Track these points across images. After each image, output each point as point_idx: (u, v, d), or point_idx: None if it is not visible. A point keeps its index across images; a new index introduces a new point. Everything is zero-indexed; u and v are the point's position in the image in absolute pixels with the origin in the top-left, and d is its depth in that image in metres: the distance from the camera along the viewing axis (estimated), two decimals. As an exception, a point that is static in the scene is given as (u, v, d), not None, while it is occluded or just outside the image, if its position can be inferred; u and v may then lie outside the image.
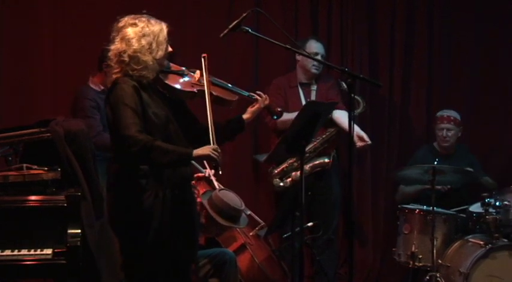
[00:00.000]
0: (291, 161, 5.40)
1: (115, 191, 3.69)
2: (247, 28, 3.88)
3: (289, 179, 5.46)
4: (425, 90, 6.34)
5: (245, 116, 3.88)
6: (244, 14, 3.86)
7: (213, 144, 3.58)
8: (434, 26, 6.33)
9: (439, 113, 5.82)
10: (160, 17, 3.73)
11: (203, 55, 3.78)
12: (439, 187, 5.38)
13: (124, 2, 5.50)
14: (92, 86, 5.10)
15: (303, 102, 5.56)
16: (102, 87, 5.08)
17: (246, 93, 3.93)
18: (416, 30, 6.32)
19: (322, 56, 5.53)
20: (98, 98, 5.02)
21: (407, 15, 6.30)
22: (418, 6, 6.31)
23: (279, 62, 5.94)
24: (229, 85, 3.91)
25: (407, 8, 6.30)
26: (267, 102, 3.89)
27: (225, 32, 3.87)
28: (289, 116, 4.76)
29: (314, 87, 5.69)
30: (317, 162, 5.36)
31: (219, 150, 3.57)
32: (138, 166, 3.59)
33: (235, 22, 3.84)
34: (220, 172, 3.65)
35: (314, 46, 5.55)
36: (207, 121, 3.63)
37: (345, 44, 6.13)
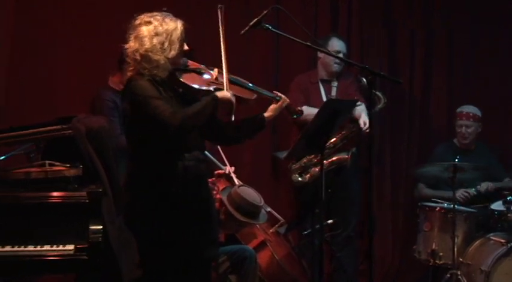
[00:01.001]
0: (310, 156, 5.40)
1: (131, 190, 3.66)
2: (267, 25, 3.89)
3: (308, 175, 5.47)
4: (445, 87, 6.32)
5: (266, 114, 3.83)
6: (265, 12, 3.87)
7: (226, 87, 3.60)
8: (453, 21, 6.31)
9: (458, 109, 5.81)
10: (178, 14, 3.71)
11: (220, 6, 3.76)
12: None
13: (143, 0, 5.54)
14: (112, 85, 5.12)
15: (324, 98, 5.58)
16: (121, 86, 5.11)
17: (266, 93, 3.89)
18: (436, 27, 6.30)
19: (343, 54, 5.54)
20: (116, 98, 5.04)
21: (426, 11, 6.28)
22: (437, 1, 6.30)
23: (299, 59, 5.94)
24: (250, 84, 3.88)
25: (426, 4, 6.28)
26: (286, 102, 3.88)
27: (246, 29, 3.88)
28: (309, 111, 4.77)
29: (335, 84, 5.70)
30: (335, 158, 5.36)
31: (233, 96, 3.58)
32: (153, 164, 3.58)
33: (255, 19, 3.85)
34: (233, 117, 3.61)
35: (336, 44, 5.56)
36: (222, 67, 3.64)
37: (365, 40, 6.12)
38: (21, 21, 5.38)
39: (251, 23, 3.85)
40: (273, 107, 3.84)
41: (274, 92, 3.92)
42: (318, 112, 4.01)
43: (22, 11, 5.39)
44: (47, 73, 5.50)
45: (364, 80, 5.24)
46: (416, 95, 6.28)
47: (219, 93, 3.55)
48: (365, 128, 5.20)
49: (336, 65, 5.61)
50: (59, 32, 5.51)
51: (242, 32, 3.90)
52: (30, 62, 5.44)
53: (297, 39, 4.00)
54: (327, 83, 5.70)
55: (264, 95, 3.89)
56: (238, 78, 3.84)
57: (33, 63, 5.45)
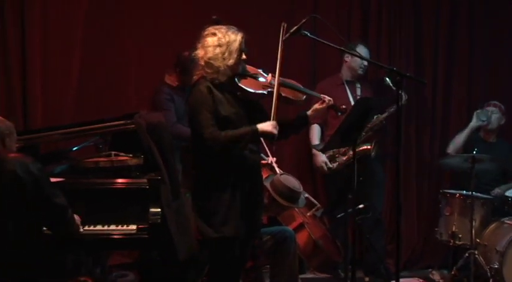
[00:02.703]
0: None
1: (197, 175, 3.76)
2: (306, 32, 3.86)
3: (336, 163, 5.45)
4: (465, 88, 6.24)
5: (309, 113, 3.88)
6: (304, 20, 3.84)
7: (273, 119, 3.62)
8: (475, 29, 6.22)
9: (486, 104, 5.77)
10: (225, 20, 3.78)
11: (283, 24, 3.76)
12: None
13: (197, 7, 5.55)
14: (168, 82, 5.17)
15: (350, 98, 5.56)
16: (176, 83, 5.15)
17: (316, 94, 3.94)
18: (459, 33, 6.21)
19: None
20: (172, 93, 5.09)
21: (450, 19, 6.19)
22: (460, 11, 6.20)
23: (333, 63, 5.89)
24: (301, 87, 3.90)
25: (451, 13, 6.19)
26: (331, 103, 3.87)
27: (287, 35, 3.86)
28: None
29: (358, 85, 5.68)
30: (360, 148, 5.32)
31: (277, 126, 3.61)
32: (214, 154, 3.64)
33: (295, 27, 3.83)
34: (273, 145, 3.67)
35: (362, 51, 5.50)
36: (273, 100, 3.64)
37: (393, 45, 6.06)
38: (90, 31, 5.44)
39: (291, 30, 3.83)
40: (316, 106, 3.88)
41: (322, 95, 3.91)
42: (351, 109, 3.98)
43: (91, 22, 5.45)
44: (115, 75, 5.55)
45: (388, 79, 5.22)
46: (439, 94, 6.19)
47: (260, 126, 3.60)
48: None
49: (361, 69, 5.60)
50: (124, 41, 5.56)
51: (283, 38, 3.87)
52: (100, 66, 5.50)
53: (332, 44, 3.97)
54: (352, 84, 5.66)
55: (313, 96, 3.94)
56: (291, 81, 3.87)
57: (102, 67, 5.51)
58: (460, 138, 5.69)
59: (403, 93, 5.30)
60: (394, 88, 5.10)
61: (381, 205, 5.64)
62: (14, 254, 3.34)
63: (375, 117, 5.38)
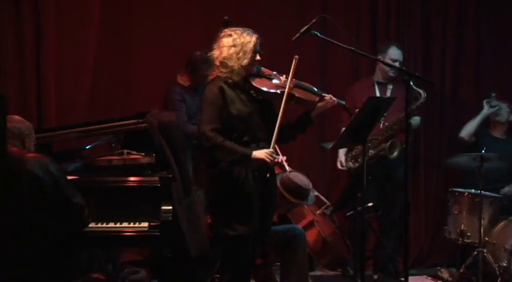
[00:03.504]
0: (360, 147, 5.37)
1: (210, 172, 3.80)
2: (316, 32, 3.87)
3: (358, 164, 5.43)
4: (473, 87, 6.21)
5: (312, 112, 3.91)
6: (314, 20, 3.85)
7: (272, 147, 3.67)
8: (482, 29, 6.20)
9: None
10: (235, 22, 3.86)
11: (295, 56, 3.80)
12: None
13: (208, 9, 5.56)
14: (180, 82, 5.18)
15: None
16: (188, 83, 5.16)
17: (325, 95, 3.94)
18: (466, 32, 6.19)
19: (399, 62, 5.43)
20: (183, 93, 5.10)
21: (457, 19, 6.17)
22: (467, 11, 6.18)
23: (343, 62, 5.90)
24: (314, 88, 3.92)
25: (458, 12, 6.17)
26: (335, 102, 3.89)
27: (297, 35, 3.88)
28: None
29: (390, 87, 5.59)
30: (380, 148, 5.31)
31: (274, 155, 3.67)
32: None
33: (305, 27, 3.84)
34: (268, 176, 3.72)
35: (394, 52, 5.46)
36: (278, 122, 3.68)
37: (402, 43, 6.04)
38: (103, 32, 5.46)
39: (301, 31, 3.85)
40: (319, 105, 3.90)
41: (325, 94, 3.92)
42: (361, 108, 3.98)
43: (104, 23, 5.47)
44: (127, 75, 5.57)
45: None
46: (447, 92, 6.17)
47: (255, 153, 3.65)
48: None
49: (391, 72, 5.50)
50: (136, 42, 5.58)
51: (293, 38, 3.89)
52: (112, 66, 5.52)
53: (342, 44, 3.97)
54: (383, 85, 5.59)
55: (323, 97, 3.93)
56: (305, 83, 3.89)
57: (115, 67, 5.53)
58: (473, 124, 5.61)
59: (422, 92, 5.30)
60: (414, 88, 5.11)
61: (399, 207, 5.55)
62: (30, 252, 3.37)
63: (395, 119, 5.33)
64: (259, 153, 3.64)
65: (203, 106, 3.72)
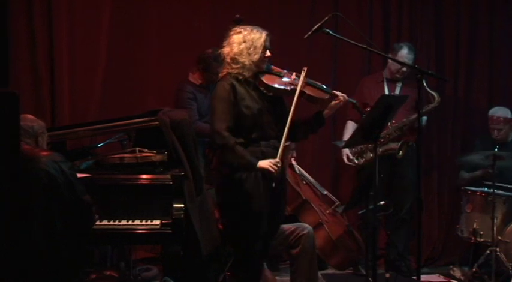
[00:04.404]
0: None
1: (220, 170, 3.83)
2: (328, 30, 3.85)
3: (363, 159, 5.42)
4: (487, 84, 6.17)
5: (325, 112, 3.92)
6: (326, 18, 3.84)
7: (278, 157, 3.67)
8: (496, 25, 6.15)
9: (490, 112, 5.57)
10: (247, 20, 3.86)
11: (304, 68, 3.81)
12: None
13: (219, 7, 5.56)
14: (191, 80, 5.17)
15: None
16: (199, 81, 5.16)
17: (338, 94, 3.92)
18: (479, 29, 6.15)
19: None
20: (195, 91, 5.10)
21: (470, 15, 6.13)
22: (481, 8, 6.14)
23: (355, 59, 5.88)
24: (324, 86, 3.91)
25: (471, 9, 6.13)
26: (345, 100, 3.88)
27: (309, 33, 3.86)
28: None
29: (399, 84, 5.55)
30: (388, 147, 5.29)
31: (279, 165, 3.66)
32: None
33: (317, 25, 3.83)
34: (273, 185, 3.70)
35: (404, 54, 5.39)
36: (289, 119, 3.68)
37: (414, 42, 6.00)
38: (115, 31, 5.48)
39: (313, 28, 3.84)
40: (332, 104, 3.90)
41: (338, 93, 3.91)
42: (373, 106, 3.96)
43: (116, 21, 5.49)
44: (139, 73, 5.58)
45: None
46: (460, 93, 6.13)
47: (260, 163, 3.67)
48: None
49: (398, 73, 5.47)
50: (148, 40, 5.60)
51: (305, 36, 3.88)
52: (125, 64, 5.53)
53: (354, 42, 3.96)
54: (392, 83, 5.56)
55: (334, 96, 3.92)
56: (315, 81, 3.89)
57: (127, 66, 5.54)
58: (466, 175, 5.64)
59: (436, 95, 5.26)
60: (428, 89, 5.09)
61: (407, 205, 5.54)
62: (42, 249, 3.37)
63: (406, 119, 5.30)
64: (264, 163, 3.66)
65: (215, 103, 3.74)
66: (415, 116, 5.32)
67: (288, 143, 3.95)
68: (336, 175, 5.95)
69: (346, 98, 3.88)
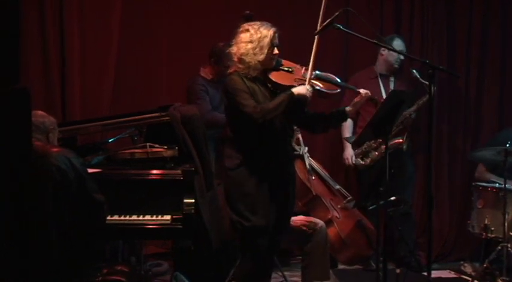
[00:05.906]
0: (369, 142, 5.36)
1: (230, 165, 3.80)
2: (339, 25, 3.83)
3: (369, 159, 5.41)
4: (498, 79, 6.13)
5: (348, 108, 3.91)
6: (337, 13, 3.80)
7: (308, 83, 3.68)
8: (508, 21, 6.10)
9: None
10: (257, 16, 3.83)
11: (310, 63, 3.78)
12: None
13: (229, 4, 5.54)
14: (203, 74, 5.18)
15: (383, 92, 5.49)
16: (211, 76, 5.16)
17: (352, 87, 3.96)
18: (491, 27, 6.11)
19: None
20: (206, 85, 5.10)
21: (483, 11, 6.09)
22: (492, 6, 6.09)
23: (366, 55, 5.83)
24: (336, 80, 3.88)
25: (484, 5, 6.09)
26: (368, 95, 3.88)
27: (320, 29, 3.83)
28: None
29: (392, 79, 5.60)
30: (392, 142, 5.27)
31: (310, 89, 3.68)
32: (248, 145, 3.73)
33: (328, 20, 3.79)
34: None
35: (399, 44, 5.44)
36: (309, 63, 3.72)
37: (425, 39, 5.98)
38: (126, 29, 5.48)
39: (324, 24, 3.80)
40: (355, 100, 3.89)
41: (360, 89, 3.90)
42: (383, 102, 3.95)
43: (127, 21, 5.49)
44: (149, 71, 5.58)
45: (415, 71, 5.17)
46: (472, 85, 6.10)
47: (294, 89, 3.65)
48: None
49: (396, 63, 5.53)
50: (158, 39, 5.59)
51: (316, 32, 3.85)
52: (135, 62, 5.54)
53: (365, 37, 3.93)
54: (385, 78, 5.59)
55: (348, 89, 4.00)
56: (327, 74, 3.87)
57: (137, 64, 5.55)
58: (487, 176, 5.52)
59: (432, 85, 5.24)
60: (421, 80, 5.10)
61: (410, 198, 5.57)
62: (54, 245, 3.38)
63: (408, 112, 5.31)
64: (300, 89, 3.66)
65: (235, 91, 3.67)
66: (413, 108, 5.39)
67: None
68: (348, 170, 5.91)
69: (369, 94, 3.87)
